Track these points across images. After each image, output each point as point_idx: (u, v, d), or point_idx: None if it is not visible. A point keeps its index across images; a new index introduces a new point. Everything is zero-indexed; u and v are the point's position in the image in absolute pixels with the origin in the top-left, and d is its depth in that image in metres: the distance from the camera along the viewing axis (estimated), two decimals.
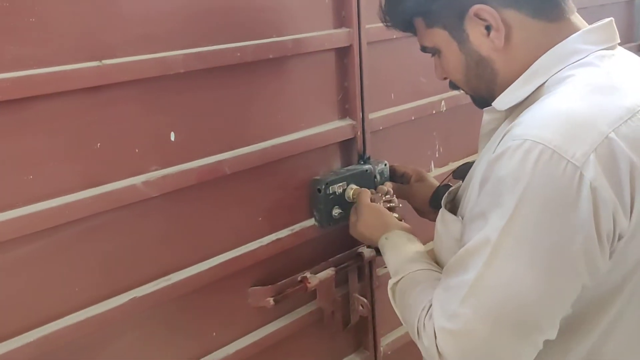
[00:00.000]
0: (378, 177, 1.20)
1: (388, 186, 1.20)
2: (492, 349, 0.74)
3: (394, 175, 1.23)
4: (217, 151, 0.99)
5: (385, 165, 1.21)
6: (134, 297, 0.93)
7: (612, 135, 0.74)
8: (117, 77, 0.86)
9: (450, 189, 0.96)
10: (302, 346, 1.20)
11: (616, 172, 0.73)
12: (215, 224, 1.03)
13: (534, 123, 0.76)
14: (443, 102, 1.35)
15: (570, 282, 0.74)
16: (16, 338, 0.82)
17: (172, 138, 0.94)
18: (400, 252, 0.98)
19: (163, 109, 0.93)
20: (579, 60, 0.81)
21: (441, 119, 1.36)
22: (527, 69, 0.83)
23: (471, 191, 0.85)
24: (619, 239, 0.75)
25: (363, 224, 1.07)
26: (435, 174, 1.35)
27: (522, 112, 0.81)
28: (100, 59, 0.84)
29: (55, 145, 0.83)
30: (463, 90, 0.94)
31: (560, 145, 0.72)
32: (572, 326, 0.79)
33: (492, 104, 0.88)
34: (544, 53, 0.82)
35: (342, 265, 1.20)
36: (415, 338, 0.83)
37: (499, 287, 0.73)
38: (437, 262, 0.94)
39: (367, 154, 1.20)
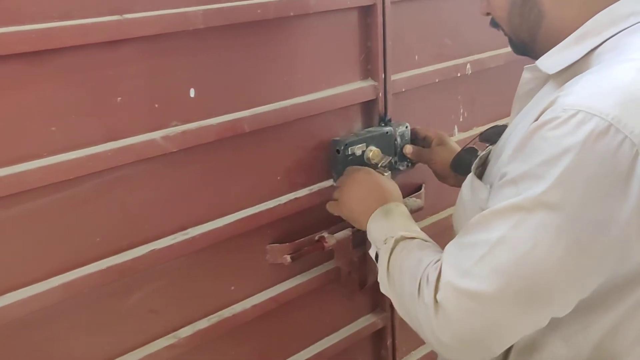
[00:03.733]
0: (399, 139, 1.19)
1: (408, 149, 1.20)
2: (494, 313, 0.71)
3: (416, 138, 1.22)
4: (236, 109, 1.00)
5: (407, 127, 1.20)
6: (154, 249, 0.95)
7: None
8: (137, 32, 0.87)
9: (481, 153, 0.94)
10: (319, 304, 1.22)
11: None
12: (234, 182, 1.04)
13: (588, 93, 0.71)
14: (469, 65, 1.32)
15: (598, 266, 0.71)
16: (40, 284, 0.86)
17: (192, 94, 0.95)
18: (410, 222, 0.94)
19: (183, 65, 0.93)
20: (636, 24, 0.76)
21: (466, 82, 1.34)
22: (579, 26, 0.77)
23: (504, 157, 0.81)
24: None
25: (360, 189, 1.01)
26: (458, 139, 1.34)
27: (568, 78, 0.76)
28: (121, 13, 0.85)
29: (77, 99, 0.85)
30: (503, 30, 0.87)
31: (620, 118, 0.67)
32: (596, 300, 0.75)
33: (536, 62, 0.83)
34: (601, 10, 0.76)
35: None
36: (413, 301, 0.78)
37: (521, 251, 0.70)
38: (455, 230, 0.91)
39: (389, 116, 1.20)
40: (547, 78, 0.84)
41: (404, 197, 1.22)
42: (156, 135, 0.92)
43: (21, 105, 0.81)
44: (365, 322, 1.30)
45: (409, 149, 1.19)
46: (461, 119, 1.38)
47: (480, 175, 0.89)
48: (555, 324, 0.76)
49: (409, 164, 1.22)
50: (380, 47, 1.15)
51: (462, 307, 0.72)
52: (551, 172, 0.69)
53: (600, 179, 0.68)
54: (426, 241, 0.88)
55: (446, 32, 1.27)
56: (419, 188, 1.32)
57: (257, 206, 1.07)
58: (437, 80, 1.28)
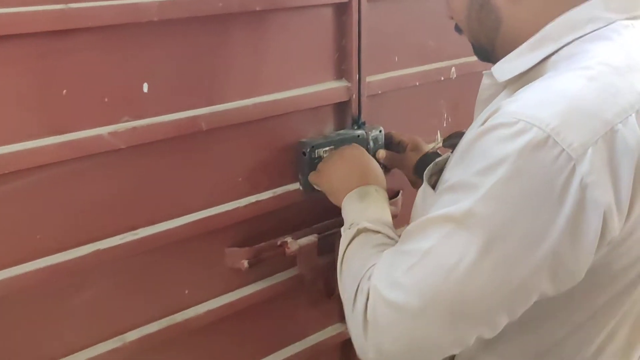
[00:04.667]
0: (372, 143, 1.14)
1: (381, 154, 1.14)
2: (418, 328, 0.68)
3: (390, 143, 1.17)
4: (193, 106, 0.95)
5: (380, 131, 1.15)
6: (98, 249, 0.91)
7: (620, 127, 0.66)
8: (83, 22, 0.82)
9: (438, 159, 0.90)
10: (282, 312, 1.17)
11: (615, 170, 0.65)
12: (190, 181, 0.99)
13: (532, 102, 0.68)
14: (453, 69, 1.26)
15: (527, 285, 0.67)
16: None
17: (145, 89, 0.90)
18: (382, 211, 0.91)
19: (135, 59, 0.88)
20: (595, 30, 0.72)
21: (451, 87, 1.28)
22: (536, 31, 0.74)
23: (450, 162, 0.79)
24: (610, 242, 0.68)
25: (345, 164, 0.98)
26: (440, 145, 1.28)
27: (522, 85, 0.73)
28: (65, 2, 0.80)
29: (18, 89, 0.80)
30: (466, 35, 0.84)
31: (558, 130, 0.64)
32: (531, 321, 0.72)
33: (492, 69, 0.80)
34: (559, 15, 0.73)
35: (326, 233, 1.16)
36: (349, 305, 0.75)
37: (447, 266, 0.67)
38: None
39: (362, 119, 1.14)
40: (505, 84, 0.79)
41: None
42: (103, 130, 0.87)
43: None
44: (334, 331, 1.25)
45: (381, 153, 1.14)
46: (445, 125, 1.32)
47: (436, 182, 0.85)
48: (491, 342, 0.73)
49: (383, 170, 1.17)
50: (355, 47, 1.09)
51: (387, 319, 0.69)
52: (485, 182, 0.66)
53: (533, 193, 0.65)
54: (390, 238, 0.85)
55: (430, 33, 1.21)
56: (395, 194, 1.26)
57: (214, 208, 1.02)
58: (417, 84, 1.22)
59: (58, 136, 0.84)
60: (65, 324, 0.92)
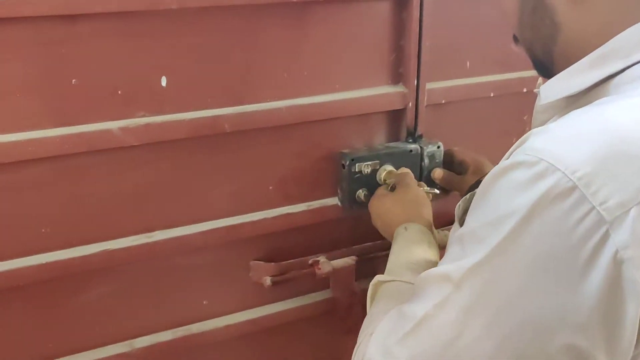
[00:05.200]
0: (427, 160, 0.99)
1: (437, 173, 0.99)
2: None
3: (450, 162, 1.01)
4: (216, 104, 0.87)
5: (439, 147, 1.00)
6: (107, 249, 0.86)
7: None
8: (96, 7, 0.77)
9: (475, 191, 0.74)
10: (310, 336, 1.06)
11: None
12: (212, 186, 0.91)
13: (562, 136, 0.52)
14: (540, 79, 1.06)
15: None
16: None
17: (163, 83, 0.84)
18: (409, 252, 0.80)
19: (153, 49, 0.82)
20: None
21: (535, 100, 1.09)
22: (601, 43, 0.57)
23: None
24: None
25: (393, 201, 0.89)
26: None
27: (577, 109, 0.57)
28: None
29: (24, 76, 0.77)
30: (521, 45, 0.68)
31: (590, 179, 0.48)
32: None
33: (540, 88, 0.65)
34: (630, 26, 0.55)
35: (368, 255, 1.03)
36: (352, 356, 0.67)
37: (443, 339, 0.54)
38: None
39: (419, 131, 1.00)
40: (566, 104, 0.62)
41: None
42: (114, 125, 0.82)
43: None
44: None
45: (438, 173, 0.99)
46: None
47: None
48: None
49: (438, 191, 1.01)
50: (415, 48, 0.95)
51: None
52: (491, 238, 0.51)
53: (548, 263, 0.49)
54: (406, 282, 0.74)
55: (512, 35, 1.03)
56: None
57: (238, 217, 0.94)
58: (492, 95, 1.04)
59: (65, 128, 0.80)
60: (70, 322, 0.89)
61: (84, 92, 0.80)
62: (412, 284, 0.72)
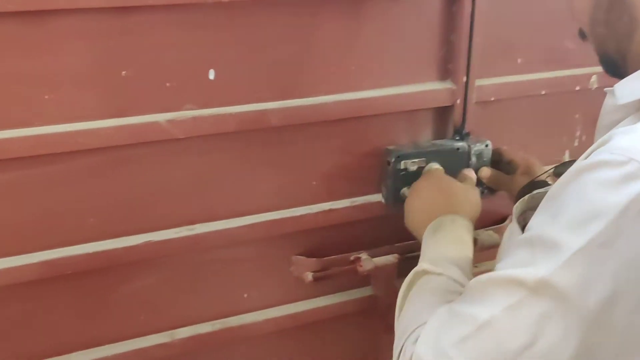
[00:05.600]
0: (474, 159, 0.97)
1: (485, 172, 0.97)
2: None
3: (499, 161, 0.99)
4: (263, 98, 0.86)
5: (487, 146, 0.97)
6: (150, 241, 0.87)
7: None
8: (147, 0, 0.76)
9: (536, 191, 0.72)
10: (350, 333, 1.06)
11: None
12: (256, 180, 0.91)
13: None
14: (594, 77, 1.03)
15: None
16: (18, 257, 0.81)
17: (212, 76, 0.83)
18: (455, 245, 0.77)
19: (202, 42, 0.81)
20: None
21: (588, 99, 1.05)
22: None
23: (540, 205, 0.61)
24: None
25: (444, 189, 0.85)
26: None
27: None
28: None
29: (75, 67, 0.77)
30: (590, 42, 0.66)
31: None
32: None
33: (614, 87, 0.62)
34: None
35: (410, 254, 1.01)
36: (395, 355, 0.65)
37: (511, 345, 0.52)
38: None
39: (467, 129, 0.97)
40: (637, 107, 0.59)
41: (479, 229, 1.01)
42: (161, 117, 0.81)
43: (12, 68, 0.74)
44: None
45: (485, 172, 0.97)
46: (576, 143, 1.09)
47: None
48: None
49: (485, 190, 0.99)
50: (465, 43, 0.92)
51: None
52: (573, 242, 0.49)
53: (636, 267, 0.47)
54: (455, 280, 0.71)
55: (567, 32, 0.99)
56: (502, 220, 1.08)
57: (281, 211, 0.93)
58: (543, 92, 1.01)
59: (115, 119, 0.80)
60: (113, 311, 0.89)
61: (133, 84, 0.80)
62: (458, 282, 0.71)
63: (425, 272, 0.73)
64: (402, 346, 0.64)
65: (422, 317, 0.64)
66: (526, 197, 0.70)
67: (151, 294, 0.91)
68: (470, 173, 0.93)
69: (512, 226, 0.69)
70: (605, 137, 0.54)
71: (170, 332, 0.94)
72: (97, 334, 0.90)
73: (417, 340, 0.61)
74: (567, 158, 1.09)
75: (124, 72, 0.79)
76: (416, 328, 0.63)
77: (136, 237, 0.86)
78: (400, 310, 0.73)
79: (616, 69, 0.63)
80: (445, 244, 0.77)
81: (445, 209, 0.82)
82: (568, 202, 0.52)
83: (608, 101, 0.64)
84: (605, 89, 0.64)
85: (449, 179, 0.90)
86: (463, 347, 0.55)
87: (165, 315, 0.93)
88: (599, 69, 1.04)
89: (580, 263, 0.49)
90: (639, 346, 0.48)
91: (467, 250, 0.77)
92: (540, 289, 0.51)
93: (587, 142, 1.10)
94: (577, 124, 1.08)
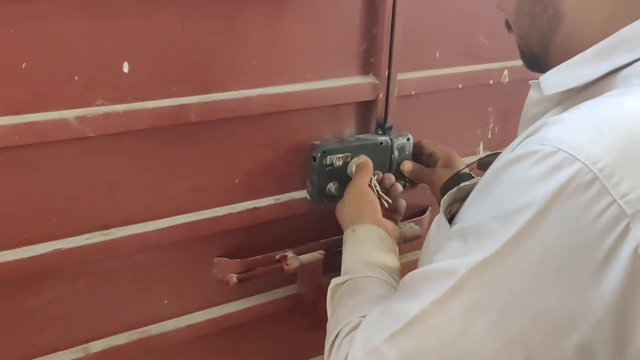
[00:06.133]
0: (396, 153, 0.97)
1: (407, 166, 0.98)
2: None
3: (420, 154, 1.00)
4: (182, 93, 0.81)
5: (409, 139, 0.98)
6: (58, 249, 0.79)
7: None
8: None
9: (463, 184, 0.73)
10: (275, 333, 1.03)
11: None
12: (175, 180, 0.86)
13: (579, 126, 0.50)
14: (506, 72, 1.07)
15: None
16: None
17: (125, 69, 0.77)
18: (360, 250, 0.79)
19: (115, 31, 0.75)
20: None
21: (501, 92, 1.09)
22: (607, 35, 0.55)
23: (471, 194, 0.61)
24: None
25: (344, 205, 0.89)
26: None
27: (579, 102, 0.55)
28: None
29: None
30: (514, 33, 0.66)
31: (611, 171, 0.47)
32: None
33: (540, 79, 0.62)
34: (637, 17, 0.54)
35: (335, 249, 1.00)
36: (326, 352, 0.65)
37: (443, 338, 0.51)
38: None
39: (389, 123, 0.97)
40: (558, 100, 0.61)
41: (402, 221, 1.02)
42: (69, 114, 0.74)
43: None
44: None
45: (407, 165, 0.97)
46: (489, 136, 1.13)
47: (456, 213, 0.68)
48: None
49: (407, 184, 1.00)
50: (387, 37, 0.92)
51: None
52: (503, 232, 0.49)
53: (566, 257, 0.47)
54: (363, 277, 0.74)
55: (482, 28, 1.02)
56: (422, 212, 1.10)
57: (202, 212, 0.89)
58: (460, 86, 1.03)
59: (15, 116, 0.72)
60: (19, 327, 0.81)
61: (36, 78, 0.72)
62: (371, 276, 0.73)
63: (339, 286, 0.75)
64: (335, 338, 0.64)
65: (349, 315, 0.64)
66: (454, 189, 0.71)
67: (61, 306, 0.83)
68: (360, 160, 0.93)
69: (439, 218, 0.69)
70: (534, 127, 0.55)
71: (83, 346, 0.86)
72: (1, 354, 0.81)
73: (350, 337, 0.61)
74: (481, 149, 1.13)
75: (24, 64, 0.71)
76: (344, 325, 0.63)
77: (42, 246, 0.79)
78: (331, 317, 0.73)
79: (536, 62, 0.63)
80: (349, 254, 0.80)
81: (348, 224, 0.85)
82: (498, 193, 0.52)
83: (532, 94, 0.65)
84: (530, 81, 0.66)
85: (353, 192, 0.89)
86: (395, 342, 0.54)
87: (78, 329, 0.86)
88: (511, 63, 1.09)
89: (509, 253, 0.49)
90: (567, 333, 0.49)
91: (368, 246, 0.80)
92: (470, 278, 0.50)
93: (500, 134, 1.14)
94: (490, 116, 1.12)
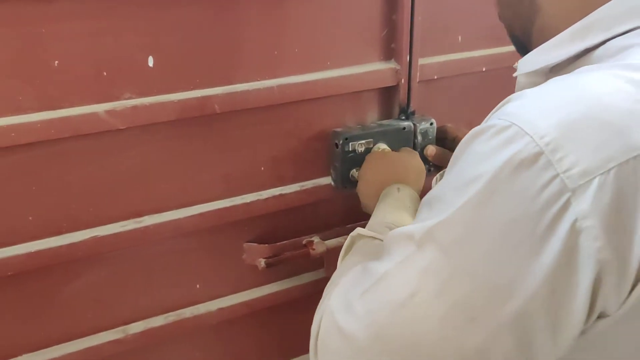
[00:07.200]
0: (420, 137, 0.98)
1: (430, 150, 0.98)
2: None
3: (444, 139, 1.00)
4: (206, 84, 0.84)
5: (432, 124, 0.98)
6: (96, 236, 0.84)
7: None
8: None
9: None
10: (302, 317, 1.05)
11: (627, 216, 0.48)
12: (203, 169, 0.89)
13: (536, 102, 0.52)
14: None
15: (483, 349, 0.50)
16: None
17: (150, 63, 0.81)
18: (394, 212, 0.79)
19: (140, 27, 0.78)
20: None
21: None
22: (582, 17, 0.57)
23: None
24: (599, 317, 0.50)
25: (388, 161, 0.88)
26: None
27: None
28: None
29: (2, 58, 0.73)
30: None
31: (556, 145, 0.48)
32: None
33: (518, 62, 0.65)
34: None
35: None
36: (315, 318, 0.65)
37: (398, 298, 0.53)
38: None
39: (411, 108, 0.98)
40: (546, 79, 0.61)
41: None
42: (100, 108, 0.79)
43: None
44: None
45: (430, 150, 0.98)
46: None
47: None
48: None
49: (431, 169, 1.01)
50: (407, 22, 0.93)
51: (335, 345, 0.57)
52: (455, 201, 0.51)
53: (508, 227, 0.49)
54: None
55: None
56: None
57: (230, 199, 0.92)
58: (484, 69, 1.03)
59: (49, 112, 0.77)
60: (61, 310, 0.86)
61: (67, 74, 0.76)
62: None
63: (360, 237, 0.74)
64: (323, 299, 0.66)
65: (345, 274, 0.65)
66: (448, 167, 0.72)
67: (100, 290, 0.88)
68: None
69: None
70: (500, 104, 0.56)
71: (122, 327, 0.91)
72: (45, 335, 0.87)
73: (331, 292, 0.63)
74: None
75: (56, 62, 0.76)
76: (337, 278, 0.66)
77: (81, 233, 0.83)
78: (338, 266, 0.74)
79: (524, 49, 0.66)
80: (386, 210, 0.79)
81: (391, 179, 0.84)
82: (459, 165, 0.54)
83: (521, 79, 0.67)
84: (514, 65, 0.67)
85: (390, 153, 0.92)
86: (364, 298, 0.56)
87: (116, 311, 0.91)
88: None
89: (459, 220, 0.51)
90: (505, 299, 0.50)
91: (406, 216, 0.79)
92: (424, 243, 0.52)
93: None
94: None
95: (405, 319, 0.52)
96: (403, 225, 0.76)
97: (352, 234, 0.76)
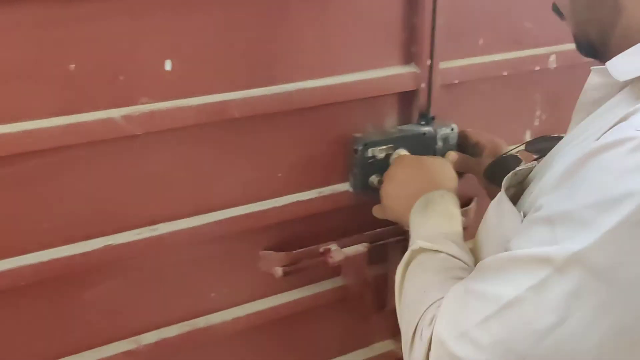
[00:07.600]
0: (440, 143, 0.96)
1: (452, 156, 0.96)
2: None
3: (465, 144, 0.98)
4: (224, 89, 0.82)
5: (453, 129, 0.96)
6: (109, 244, 0.82)
7: None
8: None
9: (519, 168, 0.71)
10: (323, 324, 1.04)
11: None
12: (219, 175, 0.87)
13: None
14: (553, 57, 1.03)
15: None
16: None
17: (168, 67, 0.78)
18: (448, 221, 0.75)
19: (157, 30, 0.76)
20: None
21: (547, 79, 1.06)
22: None
23: (547, 181, 0.60)
24: None
25: (426, 171, 0.83)
26: None
27: None
28: None
29: (18, 62, 0.71)
30: (568, 22, 0.65)
31: None
32: None
33: (607, 64, 0.60)
34: None
35: (379, 242, 1.00)
36: (407, 343, 0.62)
37: (540, 326, 0.51)
38: (476, 257, 0.71)
39: (432, 113, 0.96)
40: (622, 85, 0.59)
41: None
42: (115, 113, 0.76)
43: None
44: (383, 348, 1.10)
45: (452, 155, 0.95)
46: (536, 123, 1.10)
47: (516, 197, 0.67)
48: None
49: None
50: (428, 25, 0.91)
51: None
52: (603, 221, 0.48)
53: None
54: (455, 257, 0.70)
55: (527, 13, 0.99)
56: (467, 203, 1.08)
57: (247, 206, 0.90)
58: (505, 73, 1.01)
59: (64, 117, 0.74)
60: (74, 320, 0.84)
61: (83, 78, 0.74)
62: (457, 258, 0.69)
63: (422, 250, 0.71)
64: (415, 329, 0.62)
65: (430, 296, 0.63)
66: (510, 174, 0.69)
67: (113, 300, 0.86)
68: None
69: (499, 201, 0.67)
70: (619, 115, 0.54)
71: (135, 337, 0.89)
72: (58, 346, 0.84)
73: (432, 320, 0.59)
74: (528, 137, 1.10)
75: (72, 66, 0.74)
76: (428, 308, 0.62)
77: (94, 242, 0.81)
78: (400, 291, 0.70)
79: (593, 51, 0.63)
80: (437, 219, 0.75)
81: (428, 185, 0.80)
82: (589, 181, 0.51)
83: (593, 79, 0.64)
84: (592, 67, 0.64)
85: (421, 158, 0.88)
86: (486, 327, 0.53)
87: (129, 321, 0.88)
88: (558, 48, 1.06)
89: (613, 241, 0.48)
90: None
91: (458, 225, 0.76)
92: (569, 267, 0.50)
93: (547, 121, 1.11)
94: (536, 103, 1.09)
95: (551, 348, 0.50)
96: (461, 235, 0.72)
97: (412, 247, 0.72)
